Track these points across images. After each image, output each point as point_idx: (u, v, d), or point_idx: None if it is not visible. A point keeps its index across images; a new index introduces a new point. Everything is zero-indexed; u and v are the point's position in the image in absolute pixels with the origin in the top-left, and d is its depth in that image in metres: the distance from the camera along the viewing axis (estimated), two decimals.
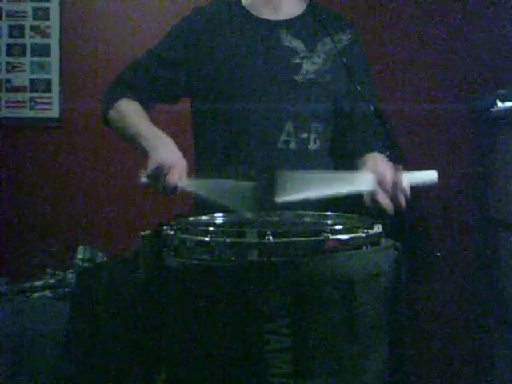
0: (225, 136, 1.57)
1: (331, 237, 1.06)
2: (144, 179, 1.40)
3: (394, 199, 1.32)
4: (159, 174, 1.35)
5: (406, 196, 1.33)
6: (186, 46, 1.61)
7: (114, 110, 1.60)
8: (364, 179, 1.34)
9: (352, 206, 1.35)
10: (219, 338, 1.05)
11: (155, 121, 1.55)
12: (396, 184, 1.31)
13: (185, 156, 1.42)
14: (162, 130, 1.50)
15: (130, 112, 1.58)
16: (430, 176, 1.35)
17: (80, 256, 2.60)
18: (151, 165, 1.37)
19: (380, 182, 1.31)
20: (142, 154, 1.44)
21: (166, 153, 1.39)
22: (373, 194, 1.32)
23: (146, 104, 1.61)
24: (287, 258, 1.03)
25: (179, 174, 1.35)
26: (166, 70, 1.62)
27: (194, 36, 1.60)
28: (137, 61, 1.66)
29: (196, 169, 1.66)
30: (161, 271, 1.12)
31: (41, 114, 2.83)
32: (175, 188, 1.35)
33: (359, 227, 1.11)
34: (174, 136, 1.47)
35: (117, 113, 1.59)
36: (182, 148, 1.44)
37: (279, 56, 1.58)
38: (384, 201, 1.31)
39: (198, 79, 1.60)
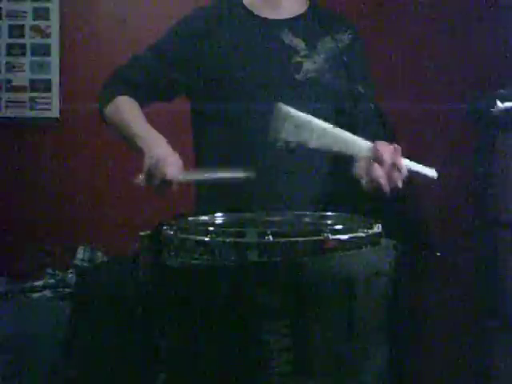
0: (224, 135, 1.57)
1: (331, 237, 1.06)
2: (141, 179, 1.40)
3: (390, 176, 1.28)
4: (155, 169, 1.36)
5: (402, 174, 1.29)
6: (186, 44, 1.61)
7: (111, 107, 1.60)
8: (363, 145, 1.29)
9: (352, 205, 1.35)
10: (219, 338, 1.05)
11: (155, 121, 1.55)
12: (394, 160, 1.27)
13: (185, 155, 1.42)
14: (162, 129, 1.50)
15: (127, 111, 1.57)
16: (429, 172, 1.34)
17: (80, 256, 2.60)
18: (146, 163, 1.38)
19: (377, 155, 1.27)
20: (138, 154, 1.45)
21: (160, 150, 1.40)
22: (369, 167, 1.28)
23: (143, 101, 1.61)
24: (287, 257, 1.03)
25: (174, 168, 1.36)
26: (166, 67, 1.62)
27: (195, 34, 1.60)
28: (136, 56, 1.66)
29: (196, 167, 1.65)
30: (161, 271, 1.12)
31: (41, 114, 2.83)
32: (171, 181, 1.36)
33: (359, 227, 1.11)
34: (174, 136, 1.47)
35: (114, 110, 1.59)
36: (181, 147, 1.44)
37: (280, 55, 1.58)
38: (379, 175, 1.27)
39: (198, 78, 1.60)
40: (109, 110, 1.60)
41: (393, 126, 1.75)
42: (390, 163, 1.27)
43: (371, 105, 1.63)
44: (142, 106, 1.60)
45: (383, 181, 1.27)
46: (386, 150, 1.28)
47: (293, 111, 1.23)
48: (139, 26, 2.76)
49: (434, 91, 2.72)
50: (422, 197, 2.42)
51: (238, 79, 1.55)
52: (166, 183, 1.36)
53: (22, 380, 2.17)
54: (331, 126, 1.27)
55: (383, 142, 1.31)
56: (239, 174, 1.35)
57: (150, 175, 1.38)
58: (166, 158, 1.37)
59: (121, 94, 1.59)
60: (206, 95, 1.60)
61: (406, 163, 1.30)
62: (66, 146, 2.82)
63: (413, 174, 1.31)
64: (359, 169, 1.32)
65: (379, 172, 1.27)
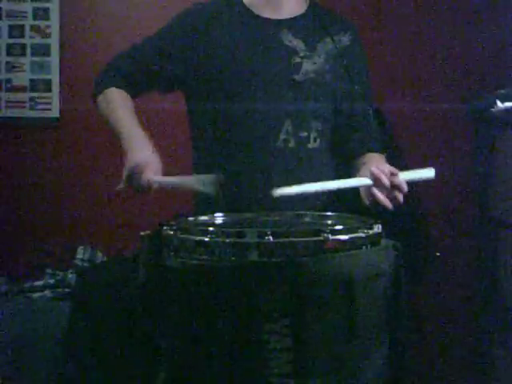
0: (223, 134, 1.57)
1: (331, 237, 1.06)
2: (120, 186, 1.44)
3: (391, 196, 1.33)
4: (134, 174, 1.40)
5: (403, 192, 1.34)
6: (183, 38, 1.61)
7: (102, 97, 1.62)
8: (360, 181, 1.37)
9: (352, 206, 1.35)
10: (219, 338, 1.05)
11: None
12: (393, 180, 1.32)
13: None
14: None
15: (117, 105, 1.59)
16: (427, 174, 1.36)
17: (80, 256, 2.60)
18: (127, 167, 1.42)
19: (377, 179, 1.32)
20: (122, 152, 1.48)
21: (140, 154, 1.43)
22: (370, 190, 1.33)
23: (135, 91, 1.63)
24: (287, 258, 1.03)
25: (153, 172, 1.40)
26: (161, 59, 1.62)
27: (193, 30, 1.60)
28: (132, 47, 1.67)
29: (194, 167, 1.65)
30: (161, 271, 1.12)
31: (41, 114, 2.83)
32: (151, 185, 1.39)
33: (359, 227, 1.12)
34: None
35: (104, 101, 1.62)
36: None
37: (279, 55, 1.58)
38: (381, 197, 1.32)
39: (196, 75, 1.60)
40: (100, 100, 1.63)
41: (391, 127, 1.76)
42: (389, 185, 1.32)
43: (369, 106, 1.64)
44: (133, 96, 1.62)
45: (385, 202, 1.33)
46: (383, 174, 1.32)
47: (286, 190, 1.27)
48: (139, 25, 2.75)
49: (434, 91, 2.71)
50: (422, 196, 2.41)
51: (237, 79, 1.55)
52: (144, 188, 1.40)
53: (22, 380, 2.17)
54: (324, 183, 1.35)
55: (379, 165, 1.36)
56: (208, 186, 1.38)
57: (129, 179, 1.41)
58: (143, 162, 1.40)
59: (112, 85, 1.61)
60: (204, 94, 1.60)
61: (404, 176, 1.35)
62: (65, 146, 2.82)
63: (413, 183, 1.36)
64: (362, 193, 1.40)
65: (380, 195, 1.33)
